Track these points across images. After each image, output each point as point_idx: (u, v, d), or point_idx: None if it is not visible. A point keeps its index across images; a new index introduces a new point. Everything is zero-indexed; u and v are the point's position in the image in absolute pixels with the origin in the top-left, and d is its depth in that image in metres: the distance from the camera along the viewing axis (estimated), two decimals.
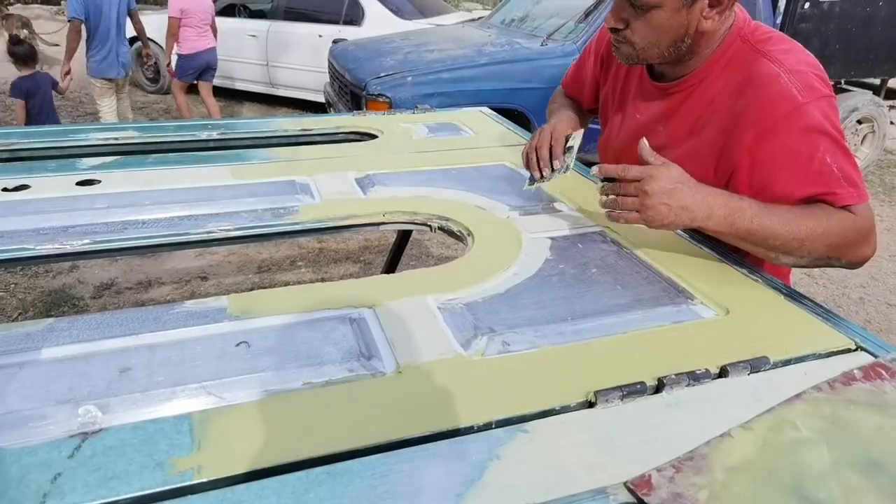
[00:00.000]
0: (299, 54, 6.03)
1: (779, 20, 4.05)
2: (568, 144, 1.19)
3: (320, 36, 5.85)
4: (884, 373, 0.77)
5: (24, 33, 5.49)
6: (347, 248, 3.59)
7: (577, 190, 1.33)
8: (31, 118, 3.85)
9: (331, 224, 1.16)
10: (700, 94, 1.07)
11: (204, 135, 1.63)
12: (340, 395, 0.70)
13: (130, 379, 0.71)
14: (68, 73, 4.22)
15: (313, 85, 5.84)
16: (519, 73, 3.77)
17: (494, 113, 1.96)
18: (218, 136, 1.63)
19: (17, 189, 1.24)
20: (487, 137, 1.70)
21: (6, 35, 5.39)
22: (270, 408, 0.68)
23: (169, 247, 1.10)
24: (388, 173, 1.39)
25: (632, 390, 0.71)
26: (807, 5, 3.95)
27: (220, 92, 6.67)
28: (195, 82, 5.06)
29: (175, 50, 4.83)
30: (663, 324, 0.87)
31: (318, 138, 1.70)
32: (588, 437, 0.66)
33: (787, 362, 0.79)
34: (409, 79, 3.62)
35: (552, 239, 1.11)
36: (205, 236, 1.10)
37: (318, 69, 5.72)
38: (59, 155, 1.48)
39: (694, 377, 0.74)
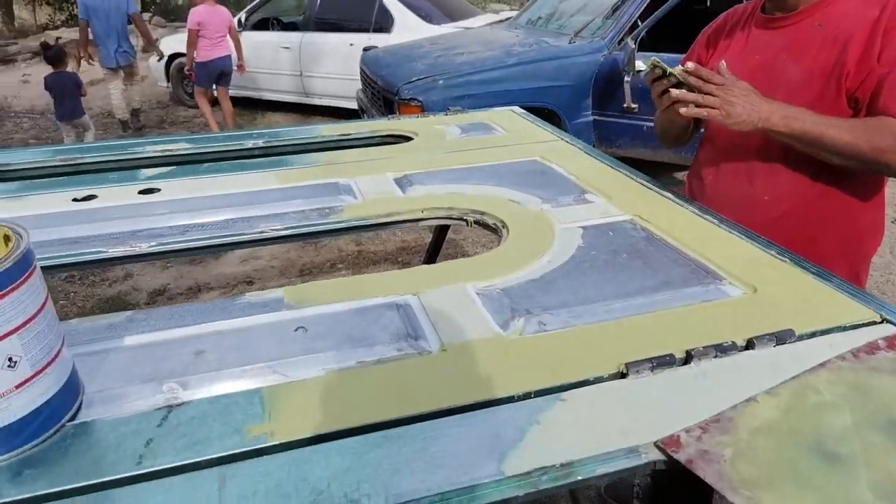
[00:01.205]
0: (332, 63, 6.18)
1: None
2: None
3: (351, 44, 5.99)
4: None
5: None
6: (385, 249, 3.68)
7: (608, 182, 1.38)
8: (56, 106, 5.15)
9: (373, 221, 1.24)
10: (832, 13, 1.22)
11: (250, 143, 1.73)
12: (391, 371, 0.77)
13: (204, 361, 0.79)
14: (81, 58, 5.74)
15: (346, 93, 5.98)
16: (548, 71, 3.81)
17: (525, 111, 2.02)
18: (263, 145, 1.73)
19: (85, 199, 1.35)
20: (519, 135, 1.75)
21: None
22: (329, 383, 0.75)
23: (226, 246, 1.19)
24: (424, 172, 1.46)
25: (661, 362, 0.76)
26: None
27: (256, 103, 6.89)
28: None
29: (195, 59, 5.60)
30: (692, 302, 0.91)
31: (357, 142, 1.79)
32: (620, 404, 0.71)
33: (812, 335, 0.83)
34: (440, 82, 3.70)
35: (584, 228, 1.16)
36: (257, 236, 1.19)
37: (350, 77, 5.85)
38: (120, 167, 1.59)
39: (721, 349, 0.79)
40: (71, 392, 0.70)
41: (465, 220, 1.27)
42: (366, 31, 6.06)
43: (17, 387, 0.63)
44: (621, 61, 3.72)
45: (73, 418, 0.69)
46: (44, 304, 0.66)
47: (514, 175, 1.44)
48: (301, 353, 0.81)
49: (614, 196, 1.30)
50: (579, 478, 0.62)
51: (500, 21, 5.76)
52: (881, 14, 1.16)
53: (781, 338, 0.81)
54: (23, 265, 0.63)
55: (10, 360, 0.62)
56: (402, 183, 1.41)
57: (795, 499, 0.58)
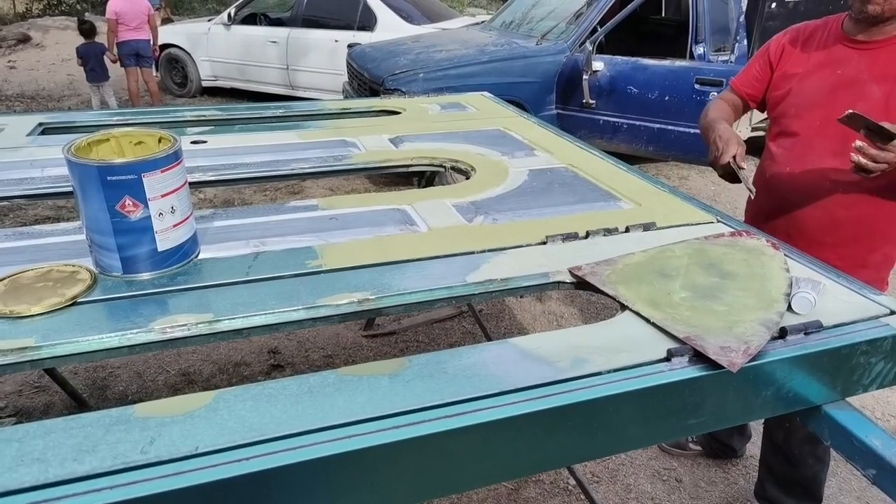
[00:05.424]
0: (317, 58, 6.56)
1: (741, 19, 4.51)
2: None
3: (336, 41, 6.38)
4: (744, 235, 1.24)
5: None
6: None
7: (552, 143, 1.82)
8: (87, 72, 6.31)
9: (376, 165, 1.66)
10: None
11: (268, 113, 2.13)
12: (397, 240, 1.19)
13: (273, 233, 1.20)
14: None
15: (331, 86, 6.36)
16: (517, 69, 4.27)
17: (492, 95, 2.46)
18: (280, 114, 2.13)
19: None
20: (486, 112, 2.19)
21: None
22: (356, 245, 1.17)
23: (267, 179, 1.59)
24: (412, 135, 1.88)
25: (568, 236, 1.20)
26: (773, 5, 4.41)
27: (243, 94, 7.21)
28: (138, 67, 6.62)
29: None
30: (597, 210, 1.35)
31: (356, 114, 2.20)
32: (542, 258, 1.14)
33: (669, 227, 1.28)
34: (421, 75, 4.12)
35: (531, 171, 1.60)
36: (290, 172, 1.60)
37: (334, 71, 6.24)
38: (168, 126, 1.98)
39: (608, 231, 1.23)
40: (195, 242, 1.11)
41: (444, 167, 1.70)
42: (350, 28, 6.46)
43: (174, 226, 1.03)
44: (581, 62, 4.19)
45: (197, 256, 1.10)
46: (186, 181, 1.07)
47: (481, 138, 1.87)
48: (335, 229, 1.23)
49: (555, 152, 1.74)
50: (513, 287, 1.05)
51: (476, 24, 6.21)
52: None
53: (647, 226, 1.26)
54: (178, 153, 1.04)
55: (172, 207, 1.02)
56: (395, 141, 1.83)
57: (636, 289, 1.02)
